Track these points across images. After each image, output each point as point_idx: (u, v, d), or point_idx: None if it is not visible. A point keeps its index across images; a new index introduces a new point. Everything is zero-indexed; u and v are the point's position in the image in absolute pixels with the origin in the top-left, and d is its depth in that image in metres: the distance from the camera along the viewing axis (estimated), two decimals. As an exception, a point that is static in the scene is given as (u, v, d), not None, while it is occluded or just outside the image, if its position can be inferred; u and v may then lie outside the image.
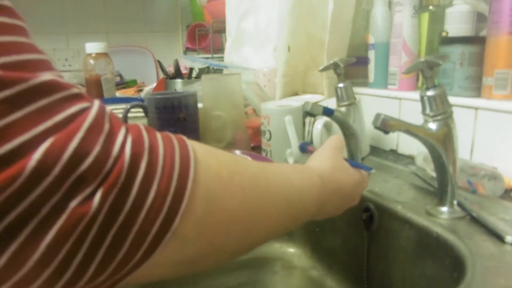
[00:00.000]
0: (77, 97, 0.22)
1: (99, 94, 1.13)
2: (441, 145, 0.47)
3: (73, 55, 1.77)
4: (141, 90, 1.48)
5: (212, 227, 0.26)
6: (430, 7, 0.75)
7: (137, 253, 0.22)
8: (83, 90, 0.23)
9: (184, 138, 0.27)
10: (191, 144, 0.26)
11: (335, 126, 0.67)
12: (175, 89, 1.22)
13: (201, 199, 0.25)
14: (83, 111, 0.21)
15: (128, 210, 0.21)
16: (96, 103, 0.23)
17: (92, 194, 0.20)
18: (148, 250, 0.22)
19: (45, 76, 0.21)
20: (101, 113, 0.22)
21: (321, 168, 0.42)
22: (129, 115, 0.70)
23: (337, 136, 0.50)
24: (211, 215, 0.26)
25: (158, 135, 0.25)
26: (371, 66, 0.82)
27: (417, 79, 0.79)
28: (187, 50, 1.78)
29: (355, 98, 0.64)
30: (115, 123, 0.23)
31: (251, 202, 0.29)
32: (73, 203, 0.20)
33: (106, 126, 0.22)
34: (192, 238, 0.25)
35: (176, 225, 0.23)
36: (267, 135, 0.71)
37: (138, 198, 0.21)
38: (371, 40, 0.81)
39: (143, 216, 0.22)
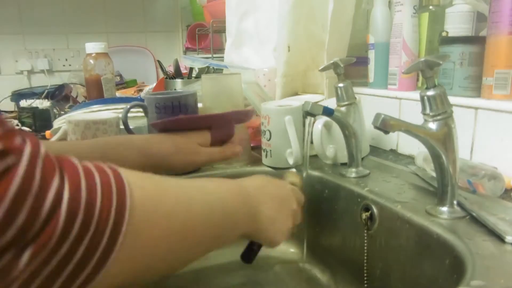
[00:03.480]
0: (2, 153, 0.20)
1: (99, 94, 1.13)
2: (441, 145, 0.47)
3: (73, 55, 1.77)
4: (141, 90, 1.48)
5: (138, 252, 0.28)
6: (430, 7, 0.75)
7: None
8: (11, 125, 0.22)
9: (121, 173, 0.27)
10: (127, 180, 0.27)
11: (335, 126, 0.67)
12: (175, 89, 1.22)
13: (127, 238, 0.26)
14: (8, 172, 0.20)
15: (55, 266, 0.22)
16: (26, 151, 0.21)
17: (19, 254, 0.20)
18: None
19: None
20: (31, 166, 0.21)
21: (242, 180, 0.47)
22: (129, 115, 0.70)
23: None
24: (137, 244, 0.27)
25: (97, 178, 0.25)
26: (371, 66, 0.82)
27: (417, 79, 0.79)
28: (187, 50, 1.78)
29: (355, 98, 0.64)
30: (48, 170, 0.22)
31: (174, 225, 0.31)
32: None
33: (36, 181, 0.21)
34: (118, 271, 0.26)
35: (103, 271, 0.24)
36: (267, 135, 0.71)
37: (67, 255, 0.22)
38: (371, 40, 0.81)
39: (70, 269, 0.23)
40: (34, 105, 1.17)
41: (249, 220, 0.41)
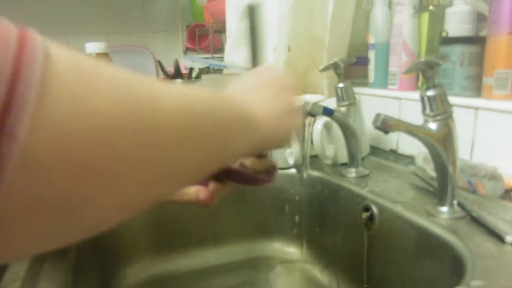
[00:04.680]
0: None
1: (99, 94, 1.13)
2: (441, 145, 0.47)
3: (73, 55, 1.77)
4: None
5: (81, 138, 0.16)
6: (430, 7, 0.75)
7: None
8: None
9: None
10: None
11: (335, 126, 0.67)
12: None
13: (56, 101, 0.16)
14: None
15: None
16: None
17: None
18: None
19: None
20: None
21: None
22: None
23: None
24: (74, 121, 0.16)
25: None
26: (371, 66, 0.82)
27: (417, 79, 0.79)
28: (187, 50, 1.78)
29: (355, 98, 0.64)
30: None
31: (132, 102, 0.19)
32: None
33: None
34: (50, 159, 0.16)
35: (21, 141, 0.15)
36: (267, 135, 0.71)
37: None
38: (371, 40, 0.81)
39: None
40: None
41: (247, 129, 0.30)
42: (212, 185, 0.44)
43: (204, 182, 0.44)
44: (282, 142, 0.35)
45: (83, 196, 0.18)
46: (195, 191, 0.44)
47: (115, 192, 0.19)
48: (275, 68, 0.39)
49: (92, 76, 0.18)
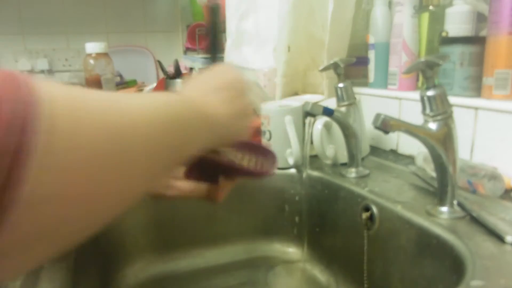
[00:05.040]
0: None
1: (99, 94, 1.13)
2: (441, 145, 0.47)
3: (73, 55, 1.77)
4: (141, 90, 1.48)
5: (71, 171, 0.18)
6: (430, 7, 0.75)
7: None
8: None
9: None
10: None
11: (335, 126, 0.67)
12: (176, 89, 1.22)
13: (57, 145, 0.18)
14: None
15: None
16: None
17: None
18: None
19: None
20: None
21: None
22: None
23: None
24: (71, 159, 0.18)
25: None
26: (371, 66, 0.82)
27: (417, 79, 0.79)
28: (187, 50, 1.78)
29: (355, 98, 0.64)
30: None
31: (112, 129, 0.21)
32: None
33: None
34: (51, 195, 0.18)
35: (28, 185, 0.17)
36: (267, 135, 0.71)
37: None
38: (371, 40, 0.81)
39: None
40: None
41: (207, 129, 0.33)
42: (222, 182, 0.46)
43: (214, 180, 0.45)
44: (233, 141, 0.40)
45: (72, 222, 0.21)
46: (206, 188, 0.46)
47: (96, 215, 0.22)
48: (232, 69, 0.42)
49: (81, 110, 0.20)
